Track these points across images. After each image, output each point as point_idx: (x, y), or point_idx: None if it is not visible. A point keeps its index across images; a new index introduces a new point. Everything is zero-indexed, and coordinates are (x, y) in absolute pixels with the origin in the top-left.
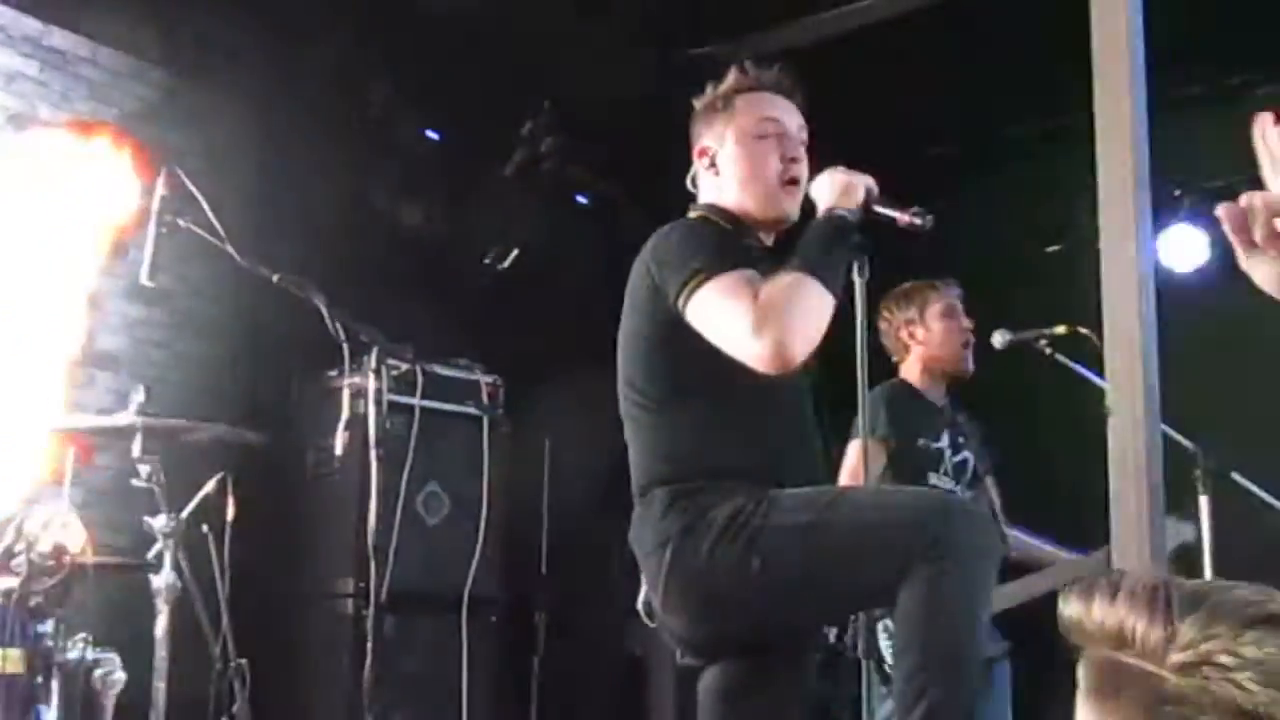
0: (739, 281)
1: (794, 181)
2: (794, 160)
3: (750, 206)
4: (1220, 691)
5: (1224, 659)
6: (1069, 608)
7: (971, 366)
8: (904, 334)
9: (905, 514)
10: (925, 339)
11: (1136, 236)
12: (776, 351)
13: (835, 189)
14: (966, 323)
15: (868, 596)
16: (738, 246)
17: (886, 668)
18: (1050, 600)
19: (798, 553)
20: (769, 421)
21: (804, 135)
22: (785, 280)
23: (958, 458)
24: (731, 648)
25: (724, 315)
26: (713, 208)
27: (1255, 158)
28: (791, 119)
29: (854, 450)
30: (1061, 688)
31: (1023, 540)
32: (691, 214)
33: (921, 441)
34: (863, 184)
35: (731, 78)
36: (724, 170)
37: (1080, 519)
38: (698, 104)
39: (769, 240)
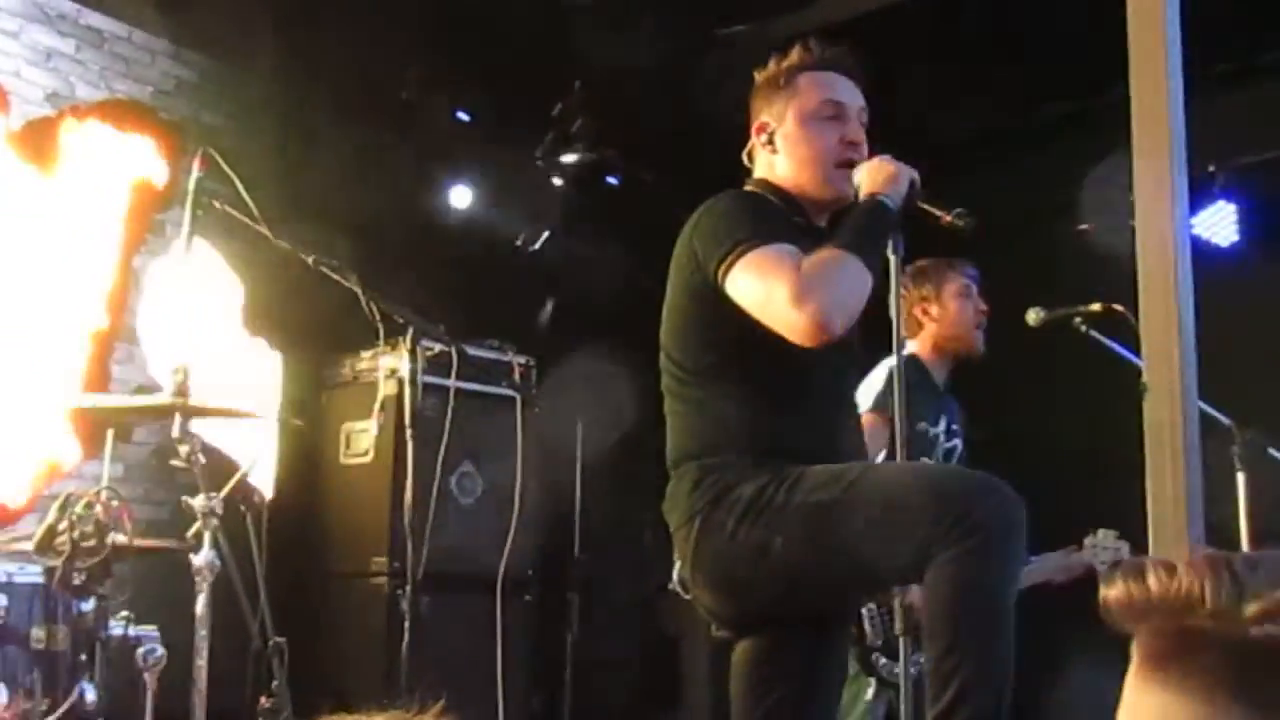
0: (781, 254)
1: (851, 164)
2: (853, 143)
3: (806, 186)
4: None
5: None
6: (1117, 588)
7: (982, 348)
8: (918, 310)
9: (932, 491)
10: (939, 316)
11: (1173, 213)
12: (816, 322)
13: (881, 177)
14: (981, 305)
15: (895, 574)
16: (786, 222)
17: (874, 658)
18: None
19: (821, 531)
20: (803, 399)
21: (864, 117)
22: (826, 254)
23: (949, 444)
24: (760, 621)
25: (764, 286)
26: (766, 184)
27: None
28: (854, 100)
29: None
30: (1078, 672)
31: None
32: (745, 187)
33: (920, 425)
34: (908, 175)
35: (795, 54)
36: (781, 148)
37: (1116, 504)
38: (758, 77)
39: (821, 221)
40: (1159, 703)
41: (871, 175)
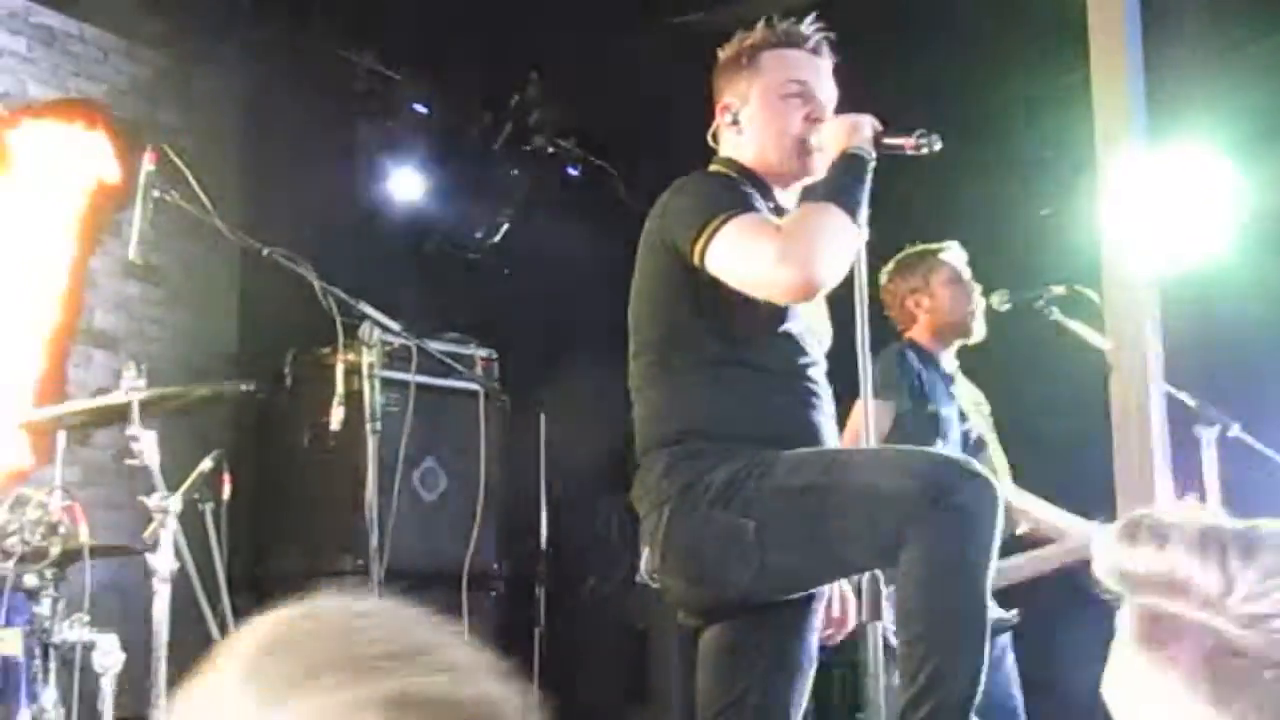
0: (759, 220)
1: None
2: (818, 121)
3: (772, 164)
4: None
5: None
6: (1110, 554)
7: (982, 330)
8: (909, 302)
9: (905, 475)
10: (932, 306)
11: (1136, 192)
12: (802, 277)
13: (843, 131)
14: (975, 286)
15: (868, 559)
16: (755, 201)
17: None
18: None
19: (794, 516)
20: (775, 385)
21: (832, 96)
22: (806, 208)
23: (965, 425)
24: (730, 607)
25: (746, 251)
26: (732, 163)
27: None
28: (820, 81)
29: (857, 409)
30: (1072, 659)
31: (1032, 512)
32: (711, 168)
33: (932, 407)
34: (868, 122)
35: (758, 32)
36: (746, 128)
37: (1083, 484)
38: (721, 56)
39: (788, 202)
40: (1142, 673)
41: (834, 134)
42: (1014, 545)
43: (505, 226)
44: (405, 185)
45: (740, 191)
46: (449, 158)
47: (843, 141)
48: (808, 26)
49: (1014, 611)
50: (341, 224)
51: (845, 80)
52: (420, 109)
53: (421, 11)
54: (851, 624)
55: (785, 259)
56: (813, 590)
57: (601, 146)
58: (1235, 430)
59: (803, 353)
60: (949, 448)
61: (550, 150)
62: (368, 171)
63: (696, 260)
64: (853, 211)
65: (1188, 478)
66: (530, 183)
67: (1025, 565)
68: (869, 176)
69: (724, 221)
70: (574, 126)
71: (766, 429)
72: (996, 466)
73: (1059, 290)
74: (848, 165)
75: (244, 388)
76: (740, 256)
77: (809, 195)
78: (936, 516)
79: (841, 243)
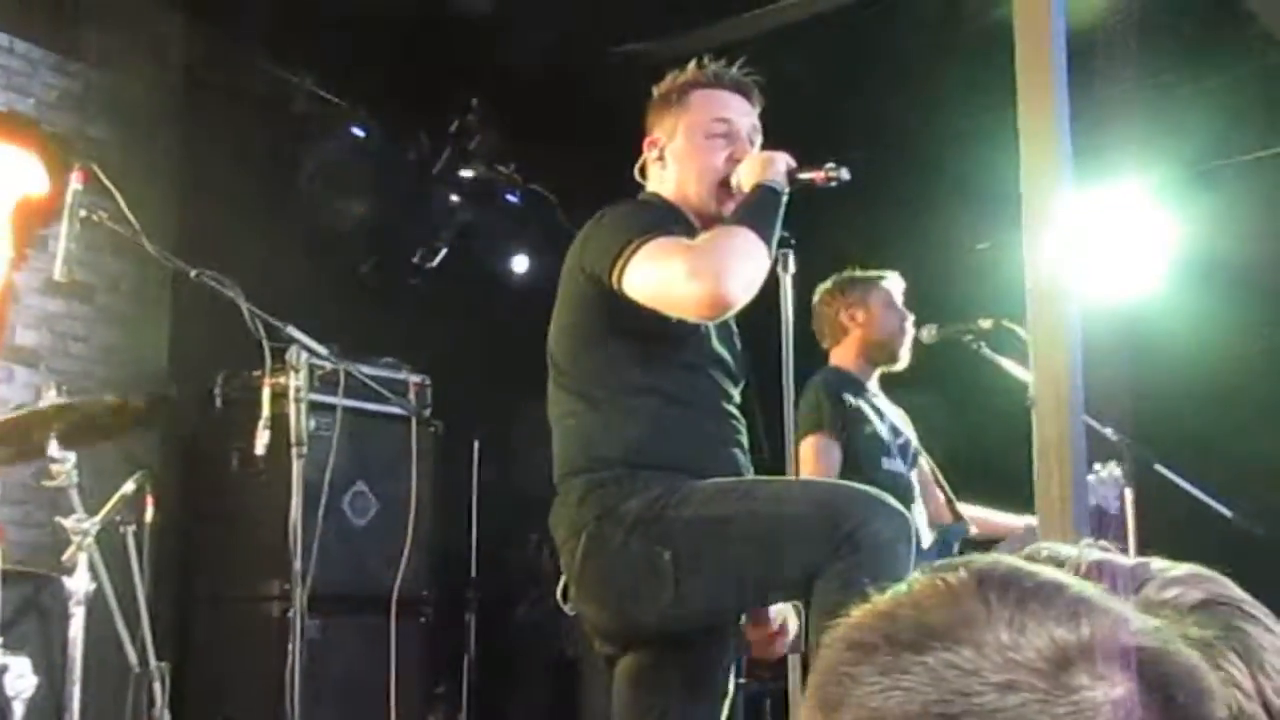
0: (672, 240)
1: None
2: (740, 162)
3: (692, 200)
4: None
5: None
6: None
7: (907, 358)
8: (844, 316)
9: (821, 507)
10: (865, 322)
11: (1061, 232)
12: (713, 291)
13: (756, 167)
14: (907, 314)
15: (781, 589)
16: (675, 229)
17: None
18: None
19: (709, 545)
20: (691, 413)
21: (757, 138)
22: (717, 230)
23: (900, 440)
24: (645, 637)
25: (659, 269)
26: (656, 197)
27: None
28: (745, 121)
29: (806, 448)
30: None
31: (979, 514)
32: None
33: (869, 429)
34: (783, 159)
35: (689, 71)
36: (670, 163)
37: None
38: (654, 92)
39: None
40: None
41: (750, 169)
42: (966, 548)
43: (443, 251)
44: (342, 208)
45: (660, 215)
46: (387, 182)
47: (757, 175)
48: (737, 69)
49: None
50: (277, 245)
51: (782, 115)
52: (359, 132)
53: (360, 35)
54: (792, 634)
55: (696, 274)
56: (727, 619)
57: (540, 172)
58: (1157, 466)
59: (719, 384)
60: (893, 463)
61: (489, 175)
62: (305, 193)
63: (614, 283)
64: (764, 235)
65: (1108, 513)
66: (469, 208)
67: None
68: (781, 208)
69: (640, 244)
70: (512, 152)
71: (682, 459)
72: (933, 474)
73: (986, 325)
74: (760, 196)
75: (165, 395)
76: (653, 274)
77: (723, 223)
78: (848, 548)
79: (752, 261)
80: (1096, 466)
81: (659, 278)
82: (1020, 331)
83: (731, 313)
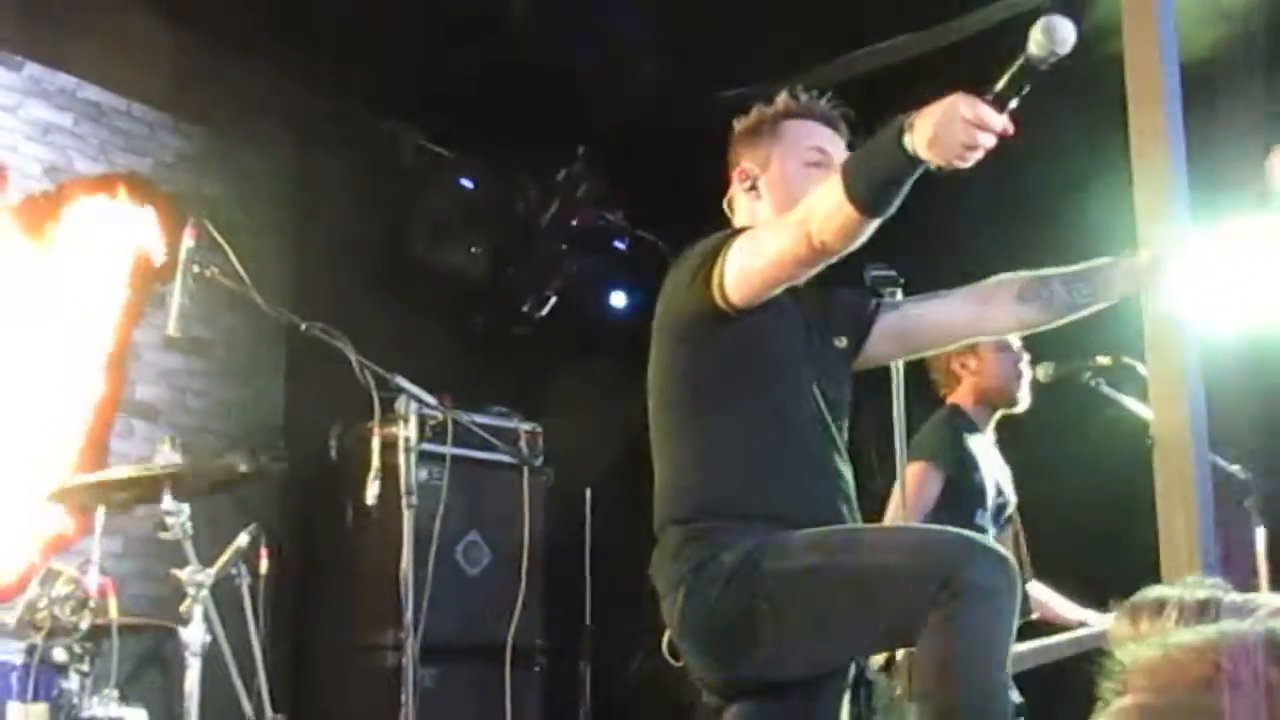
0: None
1: None
2: None
3: None
4: None
5: None
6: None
7: (1027, 400)
8: (955, 364)
9: (918, 555)
10: (978, 369)
11: (1179, 255)
12: (797, 235)
13: (937, 131)
14: (1023, 355)
15: (883, 639)
16: None
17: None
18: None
19: (807, 597)
20: (791, 461)
21: None
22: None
23: (1000, 499)
24: (747, 688)
25: (748, 243)
26: (747, 229)
27: None
28: (838, 152)
29: (914, 471)
30: None
31: (1043, 598)
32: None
33: (977, 477)
34: (960, 155)
35: (781, 102)
36: (765, 193)
37: (1117, 566)
38: (738, 125)
39: None
40: None
41: (935, 123)
42: (1024, 631)
43: (552, 300)
44: (451, 260)
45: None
46: (495, 232)
47: (925, 141)
48: (828, 100)
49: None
50: (388, 298)
51: None
52: (467, 184)
53: (467, 87)
54: None
55: (782, 228)
56: (828, 670)
57: (648, 219)
58: None
59: (821, 428)
60: (984, 519)
61: (596, 223)
62: (413, 246)
63: (717, 284)
64: (861, 191)
65: (1238, 553)
66: (577, 256)
67: (1028, 656)
68: (908, 184)
69: (733, 241)
70: (620, 199)
71: (780, 508)
72: (1016, 540)
73: (1105, 361)
74: (894, 166)
75: (276, 457)
76: (745, 248)
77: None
78: (948, 596)
79: (832, 203)
80: None
81: (752, 252)
82: (1141, 368)
83: (828, 260)
